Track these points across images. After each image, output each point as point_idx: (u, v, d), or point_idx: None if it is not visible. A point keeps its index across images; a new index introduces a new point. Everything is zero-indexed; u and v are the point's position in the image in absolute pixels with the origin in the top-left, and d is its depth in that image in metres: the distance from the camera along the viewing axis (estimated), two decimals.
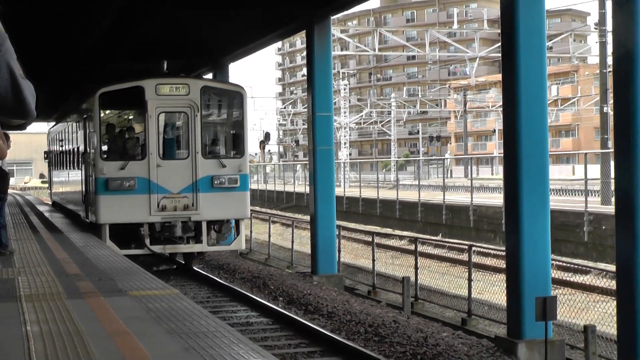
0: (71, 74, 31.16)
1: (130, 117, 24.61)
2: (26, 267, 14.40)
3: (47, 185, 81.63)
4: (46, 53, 26.49)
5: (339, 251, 24.03)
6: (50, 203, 43.12)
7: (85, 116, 23.23)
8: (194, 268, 23.07)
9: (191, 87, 21.26)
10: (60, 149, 34.48)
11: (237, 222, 22.23)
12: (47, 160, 43.65)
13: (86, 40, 24.46)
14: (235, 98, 22.74)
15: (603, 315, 15.62)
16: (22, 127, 47.78)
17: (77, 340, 8.01)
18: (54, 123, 43.23)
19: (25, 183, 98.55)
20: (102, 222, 20.74)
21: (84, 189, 23.91)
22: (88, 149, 22.35)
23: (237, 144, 22.52)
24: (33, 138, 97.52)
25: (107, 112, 23.19)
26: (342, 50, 74.73)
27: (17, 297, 10.90)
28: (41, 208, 40.13)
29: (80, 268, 14.43)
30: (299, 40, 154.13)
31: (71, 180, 29.23)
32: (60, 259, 15.99)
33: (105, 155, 21.39)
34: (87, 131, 22.28)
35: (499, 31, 15.19)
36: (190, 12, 22.34)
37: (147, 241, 20.81)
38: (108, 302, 10.51)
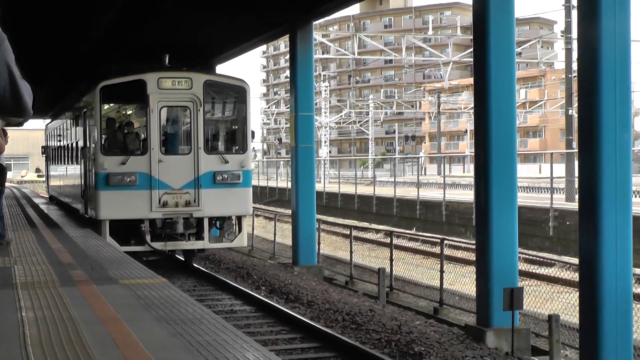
0: (68, 73, 30.94)
1: (132, 112, 23.30)
2: (22, 257, 14.34)
3: (42, 178, 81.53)
4: (44, 53, 26.20)
5: (319, 243, 24.03)
6: (48, 197, 41.37)
7: (85, 110, 22.10)
8: (194, 265, 21.96)
9: (194, 81, 19.95)
10: (59, 143, 32.93)
11: (239, 218, 20.98)
12: (44, 155, 41.70)
13: (85, 40, 24.25)
14: (238, 93, 21.28)
15: (566, 305, 15.68)
16: (19, 124, 47.36)
17: (69, 325, 7.99)
18: (49, 120, 42.84)
19: (22, 177, 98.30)
20: (102, 218, 19.50)
21: (83, 184, 22.55)
22: (88, 144, 21.18)
23: (239, 139, 21.15)
24: (30, 134, 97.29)
25: (108, 106, 21.77)
26: (323, 53, 74.65)
27: (13, 285, 10.86)
28: (37, 200, 39.95)
29: (73, 257, 14.38)
30: (282, 44, 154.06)
31: (69, 174, 27.88)
32: (54, 248, 15.93)
33: (105, 150, 19.91)
34: (87, 125, 21.10)
35: (471, 37, 15.21)
36: (187, 16, 22.09)
37: (148, 238, 19.57)
38: (100, 289, 10.48)
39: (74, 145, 25.44)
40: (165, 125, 20.59)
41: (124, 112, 23.40)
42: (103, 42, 24.29)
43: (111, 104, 21.95)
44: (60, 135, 32.04)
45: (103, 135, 19.93)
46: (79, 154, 23.50)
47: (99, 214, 19.50)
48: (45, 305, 9.18)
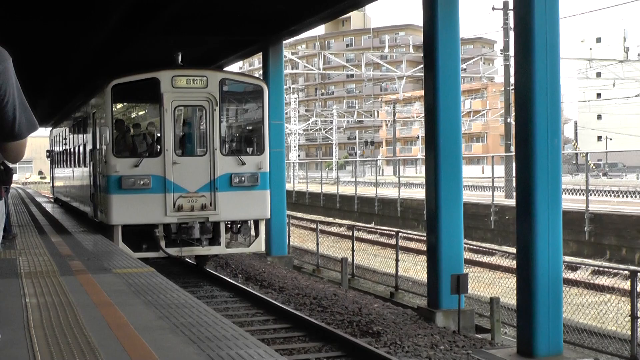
0: (70, 84, 30.59)
1: (145, 111, 20.37)
2: (26, 249, 14.26)
3: (45, 180, 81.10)
4: (47, 64, 25.79)
5: (289, 236, 24.02)
6: (53, 199, 38.38)
7: (94, 111, 19.41)
8: (207, 269, 19.35)
9: (209, 80, 17.36)
10: (65, 147, 29.67)
11: (257, 222, 18.17)
12: (49, 159, 39.09)
13: (81, 56, 24.02)
14: (255, 92, 18.57)
15: (505, 289, 15.77)
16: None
17: (68, 310, 7.96)
18: (51, 127, 41.96)
19: (26, 178, 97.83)
20: (114, 223, 16.79)
21: (92, 187, 19.74)
22: (98, 145, 18.34)
23: (256, 140, 18.40)
24: (33, 140, 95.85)
25: (120, 105, 18.95)
26: (292, 69, 74.59)
27: (18, 274, 10.80)
28: (39, 199, 39.68)
29: (71, 250, 14.31)
30: (256, 60, 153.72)
31: (76, 177, 24.84)
32: (54, 242, 15.85)
33: (117, 152, 17.09)
34: (98, 127, 18.22)
35: (422, 55, 15.26)
36: (172, 36, 21.40)
37: (162, 243, 16.92)
38: (95, 278, 10.44)
39: (82, 147, 22.81)
40: (180, 126, 18.23)
41: (137, 112, 20.78)
42: (96, 56, 24.07)
43: (123, 104, 19.38)
44: (66, 139, 29.20)
45: (115, 136, 17.34)
46: (87, 157, 20.92)
47: (111, 218, 16.86)
48: (46, 292, 9.14)
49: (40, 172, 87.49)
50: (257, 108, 18.69)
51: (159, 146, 17.24)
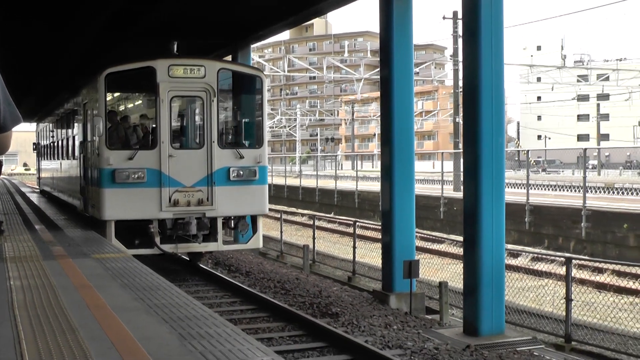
0: (55, 80, 30.09)
1: (140, 102, 18.30)
2: (11, 235, 14.11)
3: (29, 172, 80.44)
4: (33, 64, 25.36)
5: None
6: (39, 191, 35.95)
7: (86, 102, 17.27)
8: (200, 265, 17.70)
9: (207, 69, 15.51)
10: (52, 139, 27.15)
11: (255, 218, 16.35)
12: (35, 151, 36.33)
13: (68, 55, 23.67)
14: (254, 82, 16.65)
15: (453, 274, 15.88)
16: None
17: (50, 292, 7.89)
18: (36, 123, 40.87)
19: (12, 170, 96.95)
20: (107, 219, 14.91)
21: (82, 181, 17.74)
22: (89, 137, 16.56)
23: (255, 132, 16.63)
24: (18, 135, 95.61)
25: (113, 95, 16.99)
26: None
27: (3, 259, 10.68)
28: (24, 189, 39.25)
29: (53, 236, 14.18)
30: None
31: (64, 170, 22.62)
32: (38, 229, 15.70)
33: (111, 144, 15.19)
34: (90, 117, 16.44)
35: (379, 59, 15.30)
36: (148, 39, 20.63)
37: (157, 240, 15.09)
38: (75, 262, 10.36)
39: (72, 140, 20.69)
40: (176, 117, 16.50)
41: (131, 103, 18.72)
42: (81, 58, 23.78)
43: (117, 94, 17.38)
44: (54, 131, 26.69)
45: (108, 128, 15.40)
46: (78, 149, 18.87)
47: (103, 213, 14.98)
48: (29, 275, 9.06)
49: (24, 164, 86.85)
50: (256, 99, 17.01)
51: (154, 138, 15.45)
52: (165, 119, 15.24)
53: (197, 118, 16.48)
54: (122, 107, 18.07)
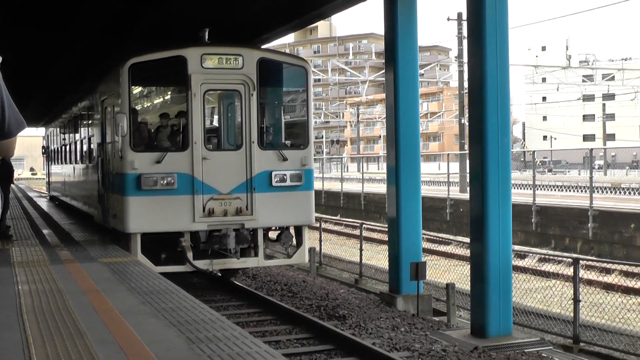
0: (61, 84, 30.04)
1: (169, 96, 16.04)
2: (19, 240, 14.15)
3: (36, 176, 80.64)
4: (36, 66, 25.28)
5: None
6: (48, 196, 34.54)
7: (104, 98, 15.34)
8: (234, 282, 15.65)
9: (246, 59, 13.51)
10: (64, 142, 24.93)
11: (299, 229, 14.29)
12: (44, 155, 34.11)
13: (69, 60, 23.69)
14: (298, 74, 14.56)
15: (460, 276, 15.88)
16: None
17: (57, 296, 7.91)
18: (43, 128, 40.31)
19: (18, 175, 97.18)
20: (132, 231, 12.92)
21: (100, 187, 15.66)
22: (108, 138, 14.63)
23: (300, 131, 14.69)
24: (24, 139, 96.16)
25: (139, 89, 14.67)
26: None
27: (11, 263, 10.72)
28: (31, 194, 39.34)
29: (60, 240, 14.22)
30: None
31: (78, 175, 20.53)
32: (45, 233, 15.74)
33: (136, 145, 13.14)
34: (107, 116, 14.73)
35: (384, 61, 15.29)
36: (153, 43, 20.81)
37: (190, 255, 13.08)
38: (82, 267, 10.39)
39: (87, 141, 18.63)
40: (211, 114, 14.74)
41: (159, 98, 16.39)
42: (82, 61, 23.78)
43: (142, 87, 14.99)
44: (65, 133, 24.36)
45: (133, 127, 13.35)
46: (95, 152, 16.82)
47: (128, 225, 12.98)
48: (37, 280, 9.09)
49: (31, 169, 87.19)
50: (301, 93, 14.89)
51: (185, 138, 13.41)
52: (198, 115, 13.29)
53: (235, 115, 14.30)
54: (147, 104, 15.92)
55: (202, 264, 13.29)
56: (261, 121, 13.80)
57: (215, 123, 14.83)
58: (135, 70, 13.25)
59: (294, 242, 14.37)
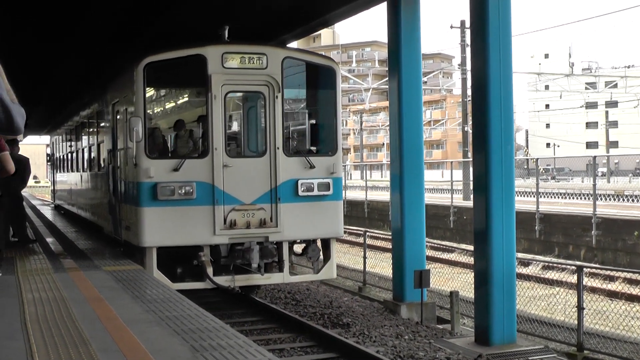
0: (61, 95, 30.02)
1: (187, 99, 14.92)
2: (22, 248, 14.15)
3: (39, 184, 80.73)
4: (40, 72, 25.22)
5: None
6: (52, 205, 34.05)
7: (115, 101, 14.40)
8: (255, 298, 14.69)
9: (270, 58, 12.58)
10: (70, 149, 23.85)
11: (327, 242, 13.31)
12: (49, 163, 33.28)
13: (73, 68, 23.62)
14: (326, 75, 13.44)
15: (464, 284, 15.84)
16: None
17: (61, 304, 7.90)
18: (46, 134, 40.12)
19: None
20: (148, 245, 11.96)
21: (111, 197, 14.65)
22: (120, 144, 13.77)
23: (328, 137, 13.44)
24: (27, 147, 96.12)
25: (154, 91, 13.64)
26: None
27: (15, 272, 10.72)
28: (34, 202, 39.36)
29: (64, 249, 14.22)
30: None
31: (86, 183, 19.56)
32: (49, 241, 15.73)
33: (151, 152, 12.22)
34: (118, 121, 13.85)
35: (387, 69, 15.30)
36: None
37: (210, 270, 12.17)
38: (86, 275, 10.38)
39: (95, 148, 17.80)
40: (232, 118, 13.62)
41: (175, 100, 15.31)
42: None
43: (158, 89, 13.96)
44: (72, 140, 23.32)
45: (148, 132, 12.34)
46: (105, 159, 15.78)
47: (143, 238, 12.01)
48: (41, 288, 9.08)
49: (35, 177, 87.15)
50: (329, 95, 13.63)
51: (205, 144, 12.53)
52: (218, 119, 12.35)
53: (258, 118, 13.38)
54: (163, 107, 15.03)
55: (223, 280, 12.37)
56: (286, 126, 12.90)
57: (237, 127, 13.80)
58: (151, 70, 12.34)
59: (322, 256, 13.40)
